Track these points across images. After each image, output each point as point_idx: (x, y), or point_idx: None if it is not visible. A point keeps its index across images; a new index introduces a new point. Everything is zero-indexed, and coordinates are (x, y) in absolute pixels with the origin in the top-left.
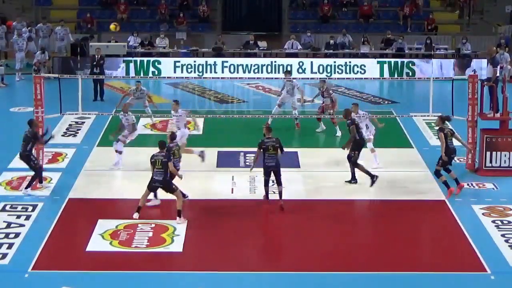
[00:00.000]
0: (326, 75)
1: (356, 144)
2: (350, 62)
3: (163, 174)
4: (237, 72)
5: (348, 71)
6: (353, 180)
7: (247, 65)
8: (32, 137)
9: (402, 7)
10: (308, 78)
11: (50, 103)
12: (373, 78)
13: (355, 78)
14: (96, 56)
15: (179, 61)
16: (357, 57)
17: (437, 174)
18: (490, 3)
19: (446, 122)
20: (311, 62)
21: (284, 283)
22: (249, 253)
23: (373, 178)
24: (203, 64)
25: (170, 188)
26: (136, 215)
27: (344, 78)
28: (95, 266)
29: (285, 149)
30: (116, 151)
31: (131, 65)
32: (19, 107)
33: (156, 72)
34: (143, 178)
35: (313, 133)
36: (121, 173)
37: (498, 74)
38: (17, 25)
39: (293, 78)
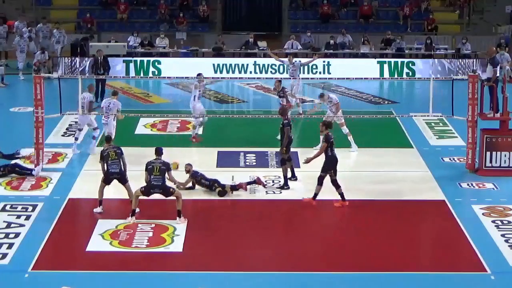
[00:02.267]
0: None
1: (290, 144)
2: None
3: (161, 180)
4: (239, 73)
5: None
6: (293, 177)
7: (247, 65)
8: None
9: (402, 7)
10: (308, 78)
11: (50, 103)
12: (373, 78)
13: (355, 78)
14: (99, 58)
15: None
16: (357, 57)
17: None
18: (490, 3)
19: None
20: None
21: (284, 283)
22: (249, 253)
23: (285, 186)
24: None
25: (168, 192)
26: (131, 219)
27: (344, 78)
28: (95, 266)
29: None
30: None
31: (131, 65)
32: (19, 107)
33: (156, 72)
34: (143, 177)
35: (313, 132)
36: None
37: (498, 74)
38: (19, 25)
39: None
